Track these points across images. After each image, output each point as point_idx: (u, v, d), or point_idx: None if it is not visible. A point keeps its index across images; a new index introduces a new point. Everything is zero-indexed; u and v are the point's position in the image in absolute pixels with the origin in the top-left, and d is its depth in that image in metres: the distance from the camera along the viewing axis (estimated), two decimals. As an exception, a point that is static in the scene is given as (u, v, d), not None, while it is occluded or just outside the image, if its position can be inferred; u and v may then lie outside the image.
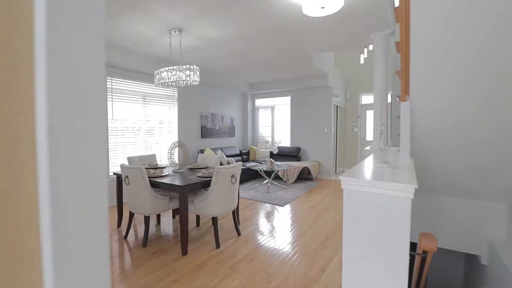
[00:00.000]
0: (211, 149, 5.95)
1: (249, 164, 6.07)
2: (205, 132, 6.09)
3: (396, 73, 2.26)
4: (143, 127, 4.90)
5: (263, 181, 5.95)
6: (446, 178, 2.61)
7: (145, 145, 4.95)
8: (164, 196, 2.90)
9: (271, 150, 5.33)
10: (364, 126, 7.36)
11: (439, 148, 2.37)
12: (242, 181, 5.85)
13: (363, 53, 5.68)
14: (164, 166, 3.68)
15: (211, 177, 2.77)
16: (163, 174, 3.02)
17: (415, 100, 2.19)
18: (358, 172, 1.54)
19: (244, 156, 6.80)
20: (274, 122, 7.31)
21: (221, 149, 6.26)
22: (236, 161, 6.33)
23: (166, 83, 3.34)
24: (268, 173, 6.09)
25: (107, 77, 4.23)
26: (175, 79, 3.13)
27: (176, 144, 3.35)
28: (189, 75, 3.11)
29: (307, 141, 6.71)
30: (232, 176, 2.79)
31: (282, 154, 6.79)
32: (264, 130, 7.49)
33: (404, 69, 2.05)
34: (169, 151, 3.35)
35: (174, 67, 3.10)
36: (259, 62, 4.99)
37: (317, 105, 6.51)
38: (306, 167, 5.89)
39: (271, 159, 5.28)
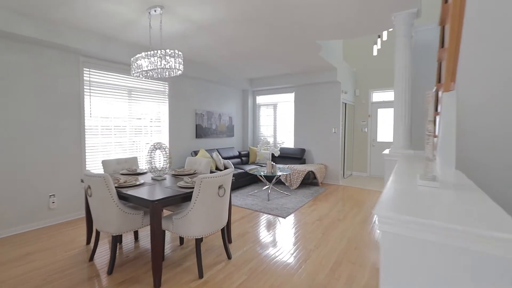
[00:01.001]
0: (207, 150, 5.40)
1: (248, 167, 5.51)
2: (200, 132, 5.55)
3: (438, 53, 1.67)
4: (130, 126, 4.37)
5: (263, 186, 5.38)
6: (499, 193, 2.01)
7: (132, 146, 4.42)
8: (137, 211, 2.35)
9: (273, 152, 4.76)
10: (375, 126, 6.74)
11: (490, 152, 1.77)
12: (240, 186, 5.29)
13: (376, 43, 5.07)
14: (145, 171, 3.14)
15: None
16: (137, 183, 2.47)
17: (464, 90, 1.61)
18: (401, 199, 0.96)
19: (243, 158, 6.23)
20: (277, 121, 6.73)
21: (217, 150, 5.70)
22: (234, 164, 5.78)
23: (145, 73, 2.79)
24: (269, 178, 5.53)
25: (84, 69, 3.71)
26: (153, 67, 2.57)
27: (156, 146, 2.80)
28: (170, 62, 2.55)
29: (312, 142, 6.12)
30: (220, 187, 2.23)
31: (285, 156, 6.21)
32: (265, 130, 6.92)
33: (453, 46, 1.46)
34: (148, 155, 2.80)
35: (152, 52, 2.54)
36: (259, 53, 4.41)
37: (324, 103, 5.92)
38: (311, 171, 5.31)
39: (272, 162, 4.71)
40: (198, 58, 4.75)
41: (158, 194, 2.13)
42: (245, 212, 3.90)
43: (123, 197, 2.25)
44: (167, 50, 2.53)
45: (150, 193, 2.17)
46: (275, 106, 6.73)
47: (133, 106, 4.41)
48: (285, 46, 4.06)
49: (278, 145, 6.68)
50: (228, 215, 2.75)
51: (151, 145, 2.82)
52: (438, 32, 3.25)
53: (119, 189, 2.29)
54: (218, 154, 5.39)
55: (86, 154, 3.77)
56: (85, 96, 3.74)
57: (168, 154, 2.80)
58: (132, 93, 4.37)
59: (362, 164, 6.90)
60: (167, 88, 4.90)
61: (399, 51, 2.84)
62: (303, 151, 6.06)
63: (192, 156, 5.09)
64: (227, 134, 6.32)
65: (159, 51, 2.51)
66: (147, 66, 2.59)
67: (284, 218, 3.65)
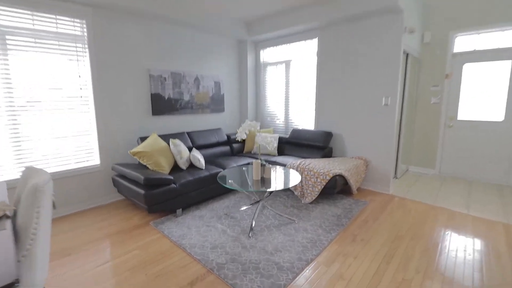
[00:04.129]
0: (169, 135, 3.39)
1: (236, 162, 3.40)
2: (160, 106, 3.51)
3: None
4: (7, 101, 2.50)
5: (251, 199, 3.25)
6: None
7: (16, 138, 2.61)
8: None
9: (261, 143, 2.56)
10: (455, 94, 4.04)
11: None
12: (215, 195, 3.25)
13: None
14: None
15: None
16: None
17: None
18: None
19: (235, 145, 4.13)
20: (290, 88, 4.38)
21: (188, 134, 3.66)
22: (212, 157, 3.74)
23: None
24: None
25: None
26: None
27: None
28: None
29: (345, 121, 3.74)
30: None
31: (299, 144, 3.95)
32: (274, 102, 4.63)
33: None
34: None
35: None
36: None
37: (370, 52, 3.40)
38: (340, 176, 3.03)
39: (265, 162, 2.54)
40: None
41: None
42: (191, 272, 1.89)
43: None
44: None
45: None
46: (287, 64, 4.34)
47: (16, 63, 2.48)
48: None
49: (293, 125, 4.40)
50: None
51: None
52: None
53: None
54: (184, 141, 3.36)
55: None
56: None
57: None
58: (8, 38, 2.42)
59: (428, 156, 4.35)
60: (85, 30, 2.85)
61: None
62: (328, 136, 3.73)
63: (138, 144, 3.14)
64: (212, 109, 4.20)
65: None
66: None
67: (260, 311, 1.56)
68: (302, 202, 3.10)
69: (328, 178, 2.92)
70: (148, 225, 2.59)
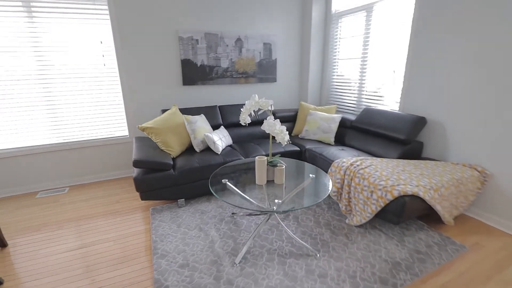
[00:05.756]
0: (200, 109, 2.92)
1: (261, 152, 2.63)
2: (192, 74, 3.03)
3: None
4: (36, 71, 2.55)
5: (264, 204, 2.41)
6: None
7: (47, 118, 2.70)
8: None
9: (271, 132, 1.66)
10: None
11: None
12: (195, 195, 2.61)
13: None
14: None
15: None
16: None
17: None
18: None
19: (283, 124, 3.28)
20: (369, 47, 2.99)
21: (220, 108, 3.07)
22: (258, 136, 3.08)
23: None
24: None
25: None
26: None
27: None
28: None
29: (452, 101, 2.22)
30: None
31: (368, 131, 2.71)
32: (345, 71, 3.36)
33: None
34: None
35: None
36: None
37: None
38: (414, 197, 1.78)
39: (281, 162, 1.71)
40: None
41: None
42: (131, 297, 1.44)
43: None
44: None
45: None
46: (369, 10, 2.93)
47: (40, 30, 2.47)
48: None
49: (367, 102, 3.09)
50: None
51: None
52: None
53: None
54: (213, 117, 2.82)
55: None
56: None
57: None
58: (33, 5, 2.39)
59: None
60: (106, -14, 2.55)
61: None
62: (418, 123, 2.35)
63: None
64: (260, 78, 3.41)
65: None
66: None
67: None
68: (346, 221, 2.08)
69: (389, 198, 1.77)
70: (147, 211, 2.30)
